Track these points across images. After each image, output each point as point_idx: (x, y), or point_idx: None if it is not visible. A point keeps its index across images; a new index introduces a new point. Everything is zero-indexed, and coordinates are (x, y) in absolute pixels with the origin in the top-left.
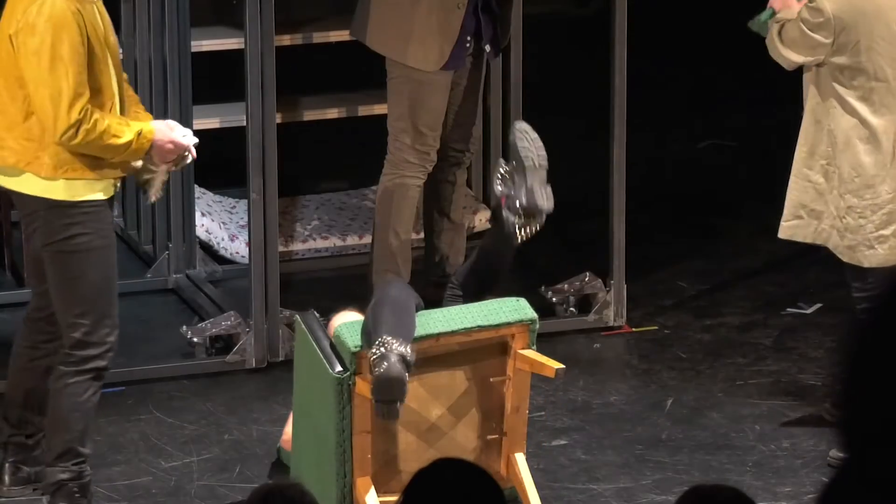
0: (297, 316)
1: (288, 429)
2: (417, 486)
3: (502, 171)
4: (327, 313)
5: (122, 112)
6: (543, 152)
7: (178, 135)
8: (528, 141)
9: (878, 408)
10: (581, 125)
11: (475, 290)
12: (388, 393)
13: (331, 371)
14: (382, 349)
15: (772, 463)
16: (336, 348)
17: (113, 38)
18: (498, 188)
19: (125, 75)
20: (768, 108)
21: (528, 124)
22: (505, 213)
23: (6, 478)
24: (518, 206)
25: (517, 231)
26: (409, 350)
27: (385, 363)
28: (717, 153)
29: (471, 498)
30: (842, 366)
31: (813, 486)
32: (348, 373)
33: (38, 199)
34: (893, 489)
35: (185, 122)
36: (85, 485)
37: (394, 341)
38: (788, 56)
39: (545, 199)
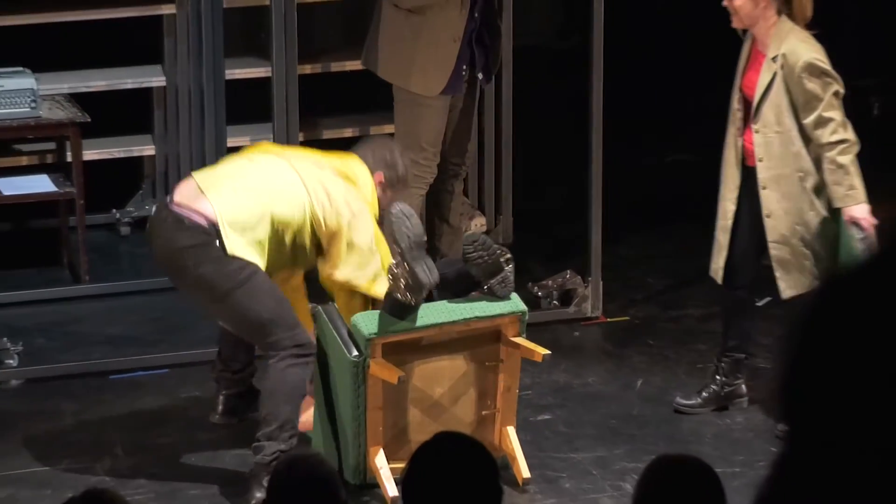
0: (320, 307)
1: (304, 417)
2: (422, 454)
3: (394, 262)
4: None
5: None
6: (420, 230)
7: None
8: (405, 225)
9: (817, 390)
10: (563, 143)
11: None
12: (417, 281)
13: (348, 355)
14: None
15: (728, 435)
16: (353, 335)
17: None
18: (392, 272)
19: None
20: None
21: (405, 206)
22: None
23: (219, 407)
24: (404, 286)
25: (410, 301)
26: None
27: (420, 264)
28: (682, 166)
29: (467, 465)
30: (784, 350)
31: (763, 455)
32: (363, 357)
33: None
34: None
35: (220, 140)
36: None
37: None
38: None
39: (427, 275)
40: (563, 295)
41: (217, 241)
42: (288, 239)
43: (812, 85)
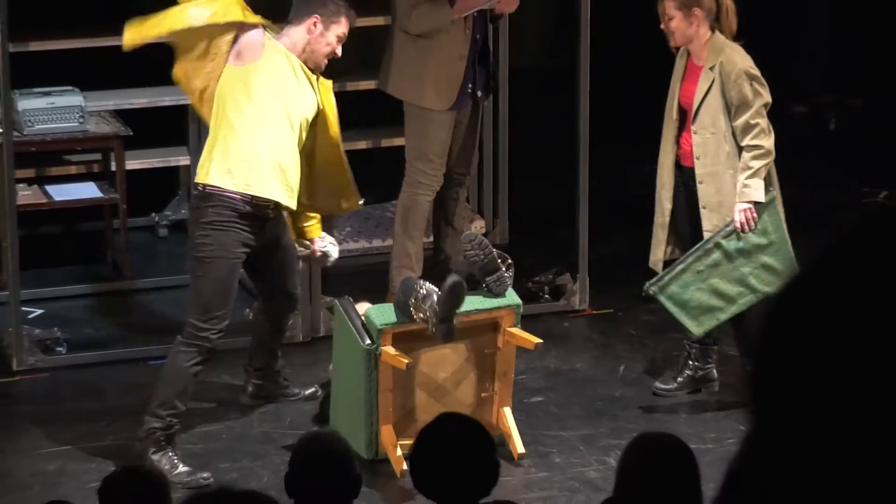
0: (336, 301)
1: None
2: (427, 433)
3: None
4: (357, 299)
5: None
6: (488, 247)
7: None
8: (473, 248)
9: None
10: (554, 154)
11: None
12: (444, 315)
13: (362, 344)
14: (426, 290)
15: (700, 414)
16: (366, 326)
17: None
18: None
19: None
20: None
21: (471, 233)
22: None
23: (249, 391)
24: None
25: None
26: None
27: (432, 299)
28: None
29: (468, 442)
30: (755, 341)
31: (732, 432)
32: (375, 345)
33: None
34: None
35: None
36: (171, 434)
37: (427, 284)
38: (770, 146)
39: (501, 286)
40: (554, 290)
41: (209, 207)
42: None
43: (746, 89)
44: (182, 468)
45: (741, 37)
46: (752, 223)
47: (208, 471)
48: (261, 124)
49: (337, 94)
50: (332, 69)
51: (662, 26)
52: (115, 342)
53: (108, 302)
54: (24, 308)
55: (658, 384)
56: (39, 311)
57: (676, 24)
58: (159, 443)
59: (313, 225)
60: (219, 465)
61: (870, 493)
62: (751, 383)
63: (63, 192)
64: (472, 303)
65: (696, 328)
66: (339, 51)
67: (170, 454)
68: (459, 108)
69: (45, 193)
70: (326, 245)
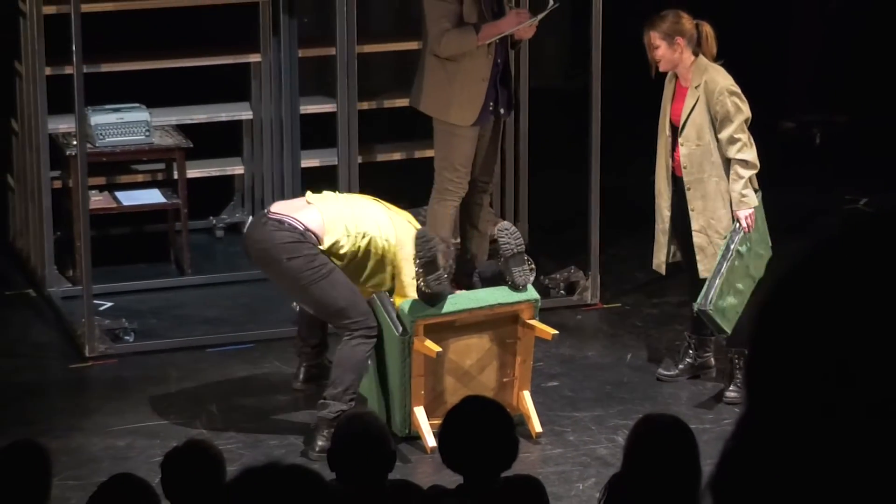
0: (374, 295)
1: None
2: (453, 413)
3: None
4: (392, 293)
5: None
6: (433, 251)
7: None
8: (507, 236)
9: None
10: (568, 164)
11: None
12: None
13: (396, 333)
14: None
15: (699, 398)
16: (400, 318)
17: None
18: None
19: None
20: None
21: (423, 230)
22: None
23: (300, 376)
24: (510, 283)
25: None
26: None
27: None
28: None
29: (489, 422)
30: (750, 331)
31: (728, 414)
32: (408, 335)
33: None
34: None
35: (295, 162)
36: None
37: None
38: (756, 158)
39: (523, 277)
40: (569, 286)
41: (307, 242)
42: (367, 258)
43: (728, 105)
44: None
45: (722, 57)
46: (753, 225)
47: (260, 447)
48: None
49: (374, 111)
50: (371, 88)
51: (649, 55)
52: (176, 332)
53: (170, 296)
54: (95, 301)
55: (661, 370)
56: (109, 304)
57: (662, 52)
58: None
59: None
60: (269, 442)
61: (853, 466)
62: (746, 368)
63: (130, 198)
64: (495, 297)
65: (727, 327)
66: None
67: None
68: (482, 124)
69: (115, 199)
70: None
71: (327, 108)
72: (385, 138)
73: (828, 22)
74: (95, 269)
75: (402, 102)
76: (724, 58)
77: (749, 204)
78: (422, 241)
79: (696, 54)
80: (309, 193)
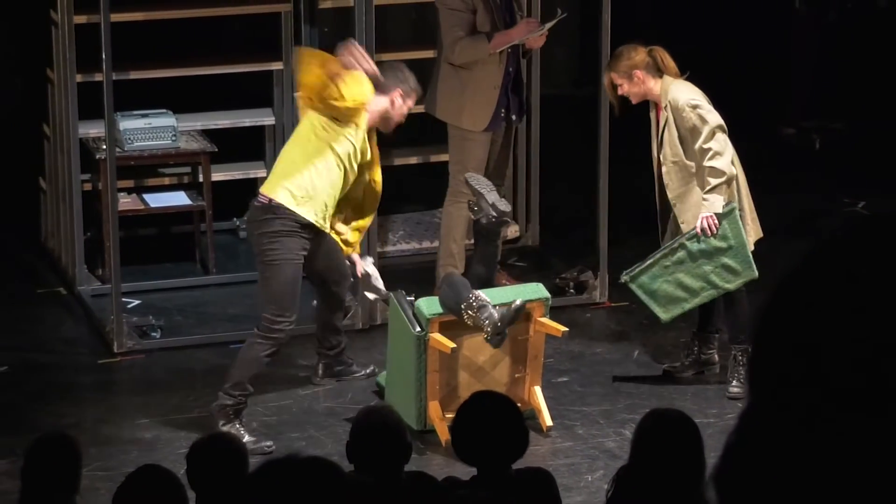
0: (391, 293)
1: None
2: (464, 408)
3: (470, 204)
4: (409, 292)
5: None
6: (489, 183)
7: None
8: (477, 183)
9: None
10: (578, 168)
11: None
12: (501, 329)
13: (413, 331)
14: (480, 301)
15: (703, 393)
16: (417, 316)
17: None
18: (472, 214)
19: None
20: None
21: (475, 175)
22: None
23: (319, 371)
24: (491, 217)
25: (498, 231)
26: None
27: (488, 310)
28: None
29: (499, 415)
30: (754, 331)
31: (731, 408)
32: (424, 332)
33: None
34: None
35: None
36: (239, 410)
37: (480, 294)
38: (726, 165)
39: (504, 205)
40: (578, 285)
41: (277, 218)
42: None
43: (692, 117)
44: (248, 437)
45: (724, 67)
46: (712, 229)
47: (281, 439)
48: (325, 169)
49: None
50: None
51: (610, 96)
52: (201, 329)
53: (195, 294)
54: (123, 299)
55: (667, 366)
56: (137, 302)
57: (627, 88)
58: (228, 416)
59: (355, 245)
60: (289, 435)
61: (852, 461)
62: (748, 365)
63: (158, 200)
64: (507, 296)
65: (662, 314)
66: (402, 121)
67: (237, 426)
68: (494, 130)
69: (143, 201)
70: (368, 265)
71: None
72: (402, 143)
73: (826, 31)
74: (124, 268)
75: (418, 108)
76: (728, 67)
77: (709, 208)
78: (471, 305)
79: (657, 77)
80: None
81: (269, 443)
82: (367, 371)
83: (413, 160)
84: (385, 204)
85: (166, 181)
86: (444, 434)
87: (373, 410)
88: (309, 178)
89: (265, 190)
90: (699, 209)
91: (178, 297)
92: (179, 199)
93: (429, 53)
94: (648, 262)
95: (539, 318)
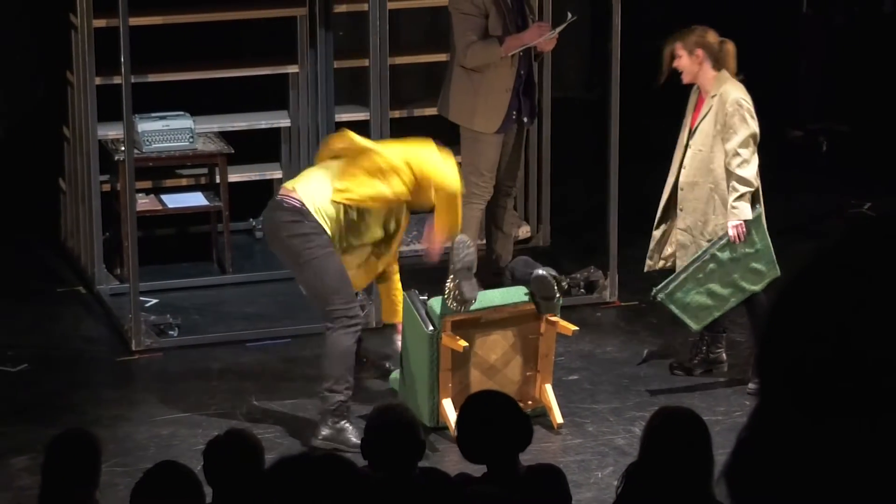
0: (405, 293)
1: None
2: (464, 411)
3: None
4: (423, 291)
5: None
6: (470, 259)
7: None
8: (461, 252)
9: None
10: (588, 170)
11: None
12: (461, 300)
13: (426, 330)
14: (467, 274)
15: (712, 391)
16: (430, 315)
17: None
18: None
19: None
20: None
21: (465, 236)
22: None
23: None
24: (454, 298)
25: (458, 309)
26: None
27: (466, 283)
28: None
29: (497, 411)
30: (762, 327)
31: (739, 407)
32: (437, 331)
33: None
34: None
35: None
36: (349, 405)
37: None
38: (753, 176)
39: (471, 291)
40: (588, 285)
41: (306, 220)
42: (349, 214)
43: (735, 117)
44: (355, 440)
45: (742, 73)
46: (742, 237)
47: (296, 436)
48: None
49: (404, 119)
50: (402, 97)
51: (664, 65)
52: (217, 327)
53: (212, 293)
54: (141, 298)
55: (675, 365)
56: (155, 301)
57: (683, 63)
58: (344, 412)
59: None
60: (305, 432)
61: (859, 453)
62: (756, 363)
63: (175, 201)
64: (519, 295)
65: (694, 325)
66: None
67: (351, 423)
68: (505, 131)
69: (160, 201)
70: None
71: (361, 116)
72: None
73: (833, 35)
74: (142, 267)
75: (431, 111)
76: (736, 70)
77: (738, 216)
78: (461, 247)
79: (716, 69)
80: (291, 181)
81: None
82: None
83: None
84: None
85: (184, 182)
86: (455, 431)
87: (387, 408)
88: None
89: (299, 194)
90: (706, 206)
91: (195, 296)
92: (197, 199)
93: (442, 57)
94: (681, 277)
95: (550, 318)
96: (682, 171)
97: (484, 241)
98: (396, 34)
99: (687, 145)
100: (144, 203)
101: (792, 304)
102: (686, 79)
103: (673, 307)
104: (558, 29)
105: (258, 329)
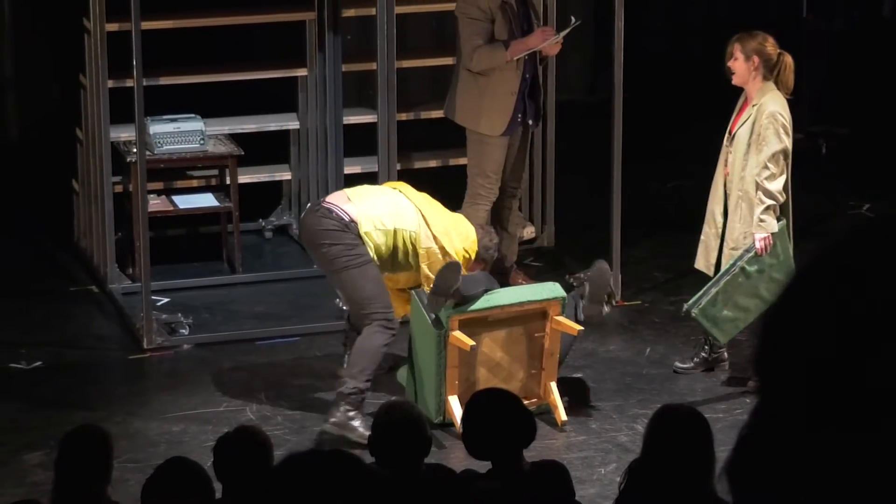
0: (413, 291)
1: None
2: (469, 409)
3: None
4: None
5: None
6: (447, 286)
7: None
8: (449, 277)
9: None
10: (592, 172)
11: None
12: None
13: (433, 328)
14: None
15: (713, 390)
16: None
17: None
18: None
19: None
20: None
21: (456, 262)
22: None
23: (346, 363)
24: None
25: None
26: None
27: (440, 297)
28: (680, 189)
29: (501, 408)
30: (761, 328)
31: (739, 405)
32: (444, 329)
33: None
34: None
35: (339, 168)
36: (365, 397)
37: (457, 290)
38: (779, 191)
39: (433, 306)
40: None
41: (349, 232)
42: (396, 250)
43: (769, 130)
44: (364, 431)
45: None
46: (768, 249)
47: (304, 433)
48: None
49: (412, 122)
50: (409, 100)
51: (728, 63)
52: (227, 326)
53: (222, 292)
54: (153, 297)
55: (678, 363)
56: (166, 300)
57: (738, 65)
58: (358, 403)
59: None
60: (313, 428)
61: (857, 452)
62: (753, 363)
63: (186, 202)
64: (525, 294)
65: (722, 338)
66: None
67: (362, 415)
68: (511, 134)
69: (172, 202)
70: None
71: (369, 118)
72: (422, 147)
73: (833, 39)
74: (153, 267)
75: (438, 114)
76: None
77: (766, 229)
78: (450, 273)
79: (766, 79)
80: (348, 189)
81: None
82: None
83: (433, 163)
84: None
85: (194, 183)
86: (461, 427)
87: (394, 405)
88: (392, 223)
89: (350, 209)
90: (733, 213)
91: (206, 296)
92: (207, 200)
93: (448, 60)
94: (712, 291)
95: (555, 317)
96: (727, 178)
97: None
98: (404, 38)
99: (728, 150)
100: (156, 204)
101: (791, 305)
102: (736, 80)
103: (705, 322)
104: (563, 33)
105: (267, 328)
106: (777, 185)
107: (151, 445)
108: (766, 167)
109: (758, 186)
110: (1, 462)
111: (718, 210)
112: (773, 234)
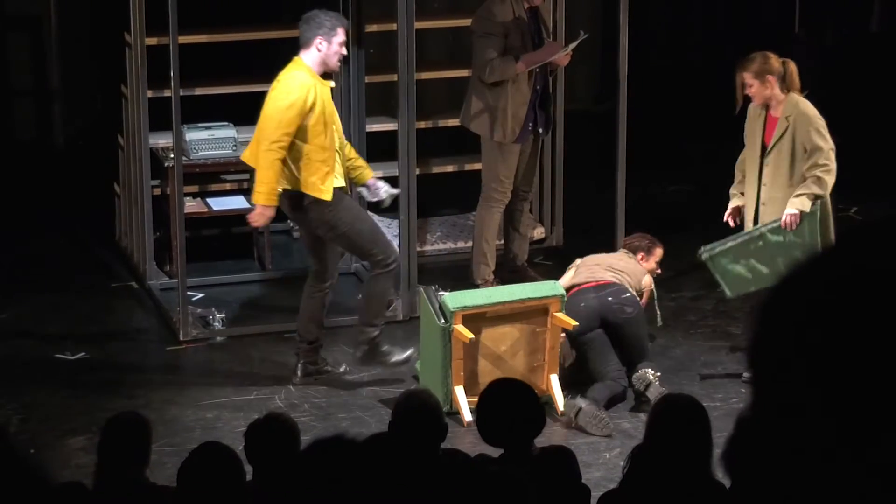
0: (421, 288)
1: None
2: (485, 396)
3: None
4: (446, 287)
5: (341, 161)
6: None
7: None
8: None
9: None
10: (598, 177)
11: None
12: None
13: (439, 323)
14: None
15: (711, 380)
16: (443, 309)
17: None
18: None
19: (346, 141)
20: (714, 164)
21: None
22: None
23: (298, 373)
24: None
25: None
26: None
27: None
28: (680, 193)
29: (516, 398)
30: (752, 322)
31: (735, 394)
32: (449, 323)
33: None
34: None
35: None
36: (380, 337)
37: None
38: (829, 185)
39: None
40: None
41: (316, 206)
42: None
43: (815, 137)
44: (399, 356)
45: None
46: (794, 226)
47: (329, 419)
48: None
49: (430, 130)
50: (428, 109)
51: (738, 94)
52: (259, 319)
53: (253, 288)
54: (189, 292)
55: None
56: (201, 295)
57: (756, 90)
58: (375, 344)
59: (362, 171)
60: (337, 415)
61: (849, 441)
62: (746, 355)
63: (220, 204)
64: (526, 292)
65: (729, 291)
66: (344, 51)
67: (387, 346)
68: (522, 141)
69: (206, 204)
70: (381, 186)
71: (390, 126)
72: (439, 153)
73: (824, 53)
74: (189, 264)
75: (454, 122)
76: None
77: (797, 206)
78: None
79: (784, 90)
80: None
81: (409, 352)
82: (402, 357)
83: (449, 168)
84: (424, 207)
85: (227, 186)
86: (466, 416)
87: (413, 393)
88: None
89: (297, 185)
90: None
91: (238, 291)
92: (239, 202)
93: (464, 72)
94: (728, 244)
95: (555, 313)
96: (763, 187)
97: (503, 242)
98: (423, 51)
99: (763, 163)
100: (191, 206)
101: (784, 300)
102: (758, 102)
103: (714, 268)
104: (571, 46)
105: (295, 321)
106: (831, 180)
107: (187, 431)
108: (822, 164)
109: (810, 177)
110: (47, 446)
111: (749, 218)
112: (805, 214)
